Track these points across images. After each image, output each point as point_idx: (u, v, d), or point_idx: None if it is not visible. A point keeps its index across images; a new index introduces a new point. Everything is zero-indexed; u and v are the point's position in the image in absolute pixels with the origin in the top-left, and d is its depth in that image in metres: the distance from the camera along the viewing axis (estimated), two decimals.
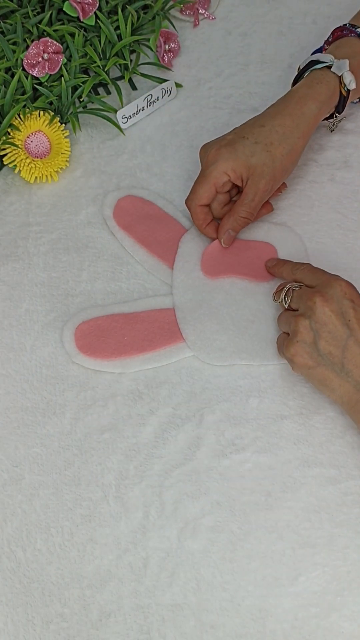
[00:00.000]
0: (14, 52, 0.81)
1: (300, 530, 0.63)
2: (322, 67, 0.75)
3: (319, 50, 0.82)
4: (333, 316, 0.62)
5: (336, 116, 0.79)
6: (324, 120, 0.78)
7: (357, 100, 0.81)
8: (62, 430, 0.68)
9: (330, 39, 0.81)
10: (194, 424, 0.68)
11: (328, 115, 0.78)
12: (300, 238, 0.77)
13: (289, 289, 0.67)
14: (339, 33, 0.79)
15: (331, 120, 0.80)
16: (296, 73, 0.79)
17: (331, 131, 0.82)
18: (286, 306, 0.67)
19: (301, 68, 0.77)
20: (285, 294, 0.67)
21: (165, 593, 0.61)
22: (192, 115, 0.86)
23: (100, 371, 0.71)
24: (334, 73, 0.74)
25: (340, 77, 0.75)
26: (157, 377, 0.70)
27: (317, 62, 0.75)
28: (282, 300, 0.68)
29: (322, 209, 0.79)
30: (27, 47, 0.82)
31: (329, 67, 0.75)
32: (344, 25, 0.79)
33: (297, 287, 0.67)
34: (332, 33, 0.80)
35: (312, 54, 0.80)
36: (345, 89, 0.75)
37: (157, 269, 0.76)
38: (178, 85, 0.88)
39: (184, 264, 0.76)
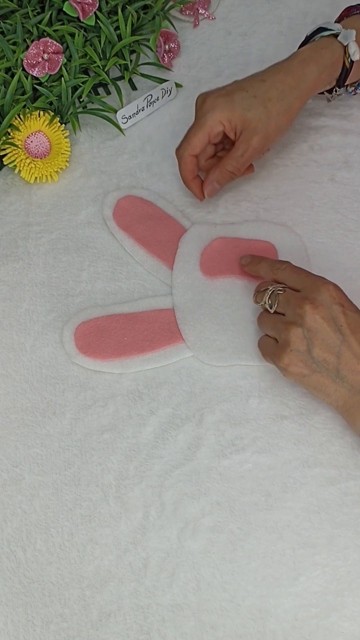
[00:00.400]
0: (14, 52, 0.81)
1: (300, 530, 0.63)
2: (329, 35, 0.75)
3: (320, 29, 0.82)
4: (325, 323, 0.61)
5: (336, 90, 0.79)
6: (324, 92, 0.78)
7: (353, 91, 0.81)
8: (62, 430, 0.68)
9: (337, 19, 0.80)
10: (194, 424, 0.68)
11: (329, 88, 0.78)
12: (300, 238, 0.77)
13: (272, 291, 0.66)
14: (347, 12, 0.79)
15: (331, 94, 0.80)
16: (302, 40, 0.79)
17: (328, 101, 0.82)
18: (272, 311, 0.66)
19: (308, 35, 0.77)
20: (269, 298, 0.66)
21: (165, 593, 0.61)
22: (192, 116, 0.85)
23: (100, 371, 0.71)
24: (340, 42, 0.74)
25: (345, 47, 0.74)
26: (157, 377, 0.70)
27: (325, 29, 0.75)
28: (265, 304, 0.66)
29: (322, 209, 0.79)
30: (27, 47, 0.82)
31: (336, 35, 0.75)
32: (353, 5, 0.79)
33: (281, 290, 0.65)
34: (341, 12, 0.80)
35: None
36: (349, 59, 0.75)
37: (156, 269, 0.76)
38: (178, 85, 0.88)
39: (183, 264, 0.76)
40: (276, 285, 0.66)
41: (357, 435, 0.64)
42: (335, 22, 0.80)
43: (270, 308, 0.66)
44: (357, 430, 0.63)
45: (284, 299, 0.64)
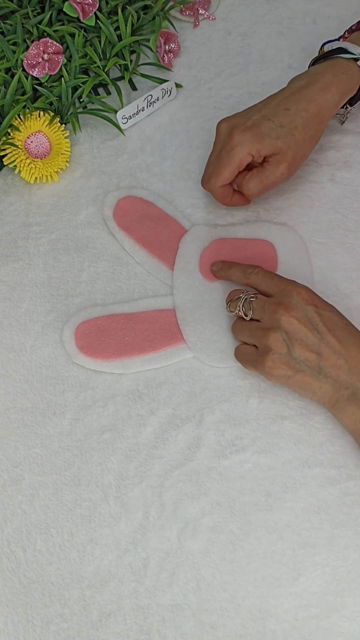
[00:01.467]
0: (14, 52, 0.81)
1: (300, 530, 0.63)
2: (349, 58, 0.75)
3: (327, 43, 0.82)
4: (301, 325, 0.63)
5: (347, 107, 0.79)
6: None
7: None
8: (62, 430, 0.68)
9: (354, 27, 0.80)
10: (194, 424, 0.68)
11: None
12: (300, 238, 0.77)
13: (245, 299, 0.67)
14: None
15: (342, 111, 0.80)
16: (317, 54, 0.78)
17: (341, 123, 0.82)
18: (248, 319, 0.67)
19: (326, 50, 0.77)
20: (243, 305, 0.67)
21: (165, 593, 0.61)
22: (192, 116, 0.86)
23: (100, 371, 0.71)
24: (359, 67, 0.74)
25: None
26: (157, 377, 0.71)
27: (345, 50, 0.75)
28: (240, 311, 0.68)
29: (322, 209, 0.79)
30: (27, 47, 0.82)
31: (356, 59, 0.75)
32: None
33: (253, 297, 0.67)
34: (358, 22, 0.80)
35: (324, 44, 0.80)
36: None
37: (157, 269, 0.76)
38: (178, 85, 0.87)
39: (184, 265, 0.76)
40: (248, 292, 0.68)
41: (346, 430, 0.65)
42: (347, 30, 0.80)
43: (246, 316, 0.67)
44: (345, 425, 0.64)
45: (258, 305, 0.66)
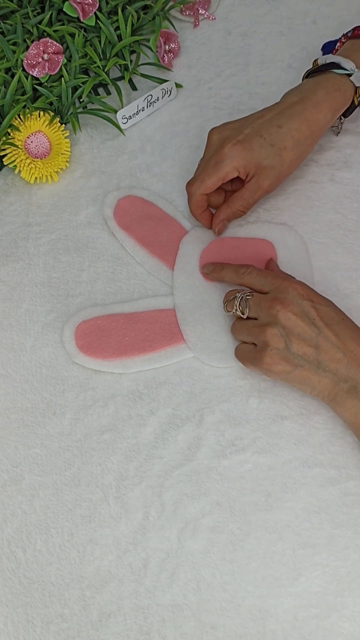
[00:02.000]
0: (14, 52, 0.81)
1: (300, 530, 0.63)
2: (342, 74, 0.75)
3: (333, 44, 0.82)
4: (298, 319, 0.63)
5: (341, 118, 0.79)
6: None
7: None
8: (62, 430, 0.68)
9: (349, 34, 0.80)
10: (194, 424, 0.68)
11: None
12: (301, 237, 0.77)
13: (241, 298, 0.67)
14: (358, 32, 0.79)
15: (337, 122, 0.80)
16: (311, 67, 0.78)
17: (336, 135, 0.82)
18: (244, 317, 0.67)
19: (319, 64, 0.77)
20: (239, 304, 0.67)
21: (165, 593, 0.61)
22: (192, 116, 0.86)
23: (100, 371, 0.71)
24: (352, 82, 0.75)
25: (357, 88, 0.75)
26: (157, 377, 0.70)
27: (338, 65, 0.75)
28: (236, 311, 0.67)
29: (322, 209, 0.79)
30: (27, 47, 0.82)
31: (349, 74, 0.75)
32: None
33: (249, 295, 0.67)
34: (353, 30, 0.79)
35: (323, 46, 0.80)
36: (359, 99, 0.76)
37: (157, 269, 0.76)
38: (178, 85, 0.87)
39: (184, 265, 0.76)
40: (243, 291, 0.68)
41: (346, 425, 0.65)
42: (343, 35, 0.80)
43: (243, 314, 0.67)
44: (345, 418, 0.64)
45: (254, 303, 0.66)
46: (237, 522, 0.64)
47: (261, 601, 0.61)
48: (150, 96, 0.85)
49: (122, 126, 0.84)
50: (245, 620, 0.60)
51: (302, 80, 0.78)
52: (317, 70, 0.76)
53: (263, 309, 0.65)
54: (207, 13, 0.94)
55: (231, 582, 0.62)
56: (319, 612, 0.60)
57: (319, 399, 0.65)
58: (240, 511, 0.64)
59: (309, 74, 0.77)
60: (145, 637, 0.60)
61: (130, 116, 0.84)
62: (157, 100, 0.86)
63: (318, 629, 0.60)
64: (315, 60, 0.78)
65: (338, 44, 0.80)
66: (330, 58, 0.76)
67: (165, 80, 0.86)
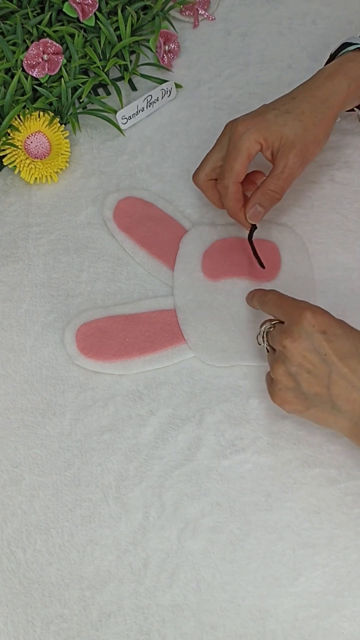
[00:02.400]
0: (14, 53, 0.81)
1: (300, 530, 0.63)
2: (354, 49, 0.73)
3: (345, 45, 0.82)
4: (307, 355, 0.58)
5: None
6: (353, 109, 0.76)
7: None
8: (62, 431, 0.68)
9: None
10: (194, 424, 0.68)
11: (358, 104, 0.75)
12: (300, 238, 0.77)
13: (264, 331, 0.63)
14: None
15: (355, 110, 0.78)
16: (327, 59, 0.78)
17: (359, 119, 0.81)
18: (268, 350, 0.64)
19: (332, 53, 0.76)
20: (263, 338, 0.64)
21: (165, 594, 0.61)
22: (192, 116, 0.86)
23: (101, 372, 0.71)
24: None
25: None
26: (157, 377, 0.70)
27: (349, 44, 0.74)
28: (262, 344, 0.64)
29: (322, 209, 0.79)
30: (27, 48, 0.82)
31: None
32: None
33: (270, 327, 0.63)
34: None
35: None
36: None
37: (157, 270, 0.76)
38: (178, 85, 0.87)
39: (184, 265, 0.76)
40: (267, 323, 0.63)
41: None
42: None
43: (265, 345, 0.64)
44: None
45: (271, 336, 0.62)
46: (237, 522, 0.64)
47: (261, 601, 0.61)
48: (150, 96, 0.85)
49: (122, 126, 0.85)
50: (245, 620, 0.60)
51: None
52: (330, 59, 0.76)
53: (275, 342, 0.60)
54: (206, 13, 0.94)
55: (231, 582, 0.62)
56: (319, 612, 0.60)
57: (344, 435, 0.61)
58: (240, 511, 0.64)
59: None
60: (145, 637, 0.60)
61: (130, 116, 0.84)
62: (157, 100, 0.86)
63: (318, 629, 0.60)
64: (331, 52, 0.77)
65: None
66: (341, 41, 0.75)
67: (165, 81, 0.86)
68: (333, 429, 0.60)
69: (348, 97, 0.72)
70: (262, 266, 0.72)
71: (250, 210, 0.70)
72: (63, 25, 0.85)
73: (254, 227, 0.73)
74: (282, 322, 0.62)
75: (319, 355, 0.58)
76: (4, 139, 0.79)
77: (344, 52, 0.74)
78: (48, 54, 0.81)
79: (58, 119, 0.81)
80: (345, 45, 0.75)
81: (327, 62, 0.78)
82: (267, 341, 0.63)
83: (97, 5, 0.84)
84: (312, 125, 0.69)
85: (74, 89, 0.83)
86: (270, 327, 0.63)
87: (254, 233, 0.73)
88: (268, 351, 0.64)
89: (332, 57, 0.77)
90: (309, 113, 0.69)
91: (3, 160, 0.80)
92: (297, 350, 0.58)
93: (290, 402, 0.60)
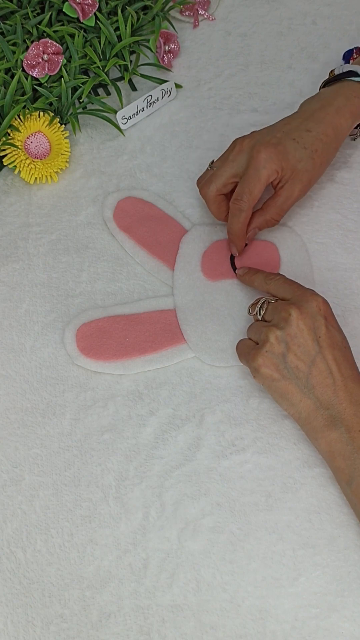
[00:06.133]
0: (14, 53, 0.81)
1: (300, 530, 0.63)
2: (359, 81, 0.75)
3: (349, 53, 0.83)
4: (305, 330, 0.62)
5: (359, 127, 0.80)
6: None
7: None
8: (62, 431, 0.68)
9: None
10: (194, 424, 0.68)
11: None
12: (300, 238, 0.77)
13: (264, 301, 0.67)
14: None
15: (356, 130, 0.80)
16: (328, 77, 0.79)
17: (353, 140, 0.83)
18: (260, 318, 0.67)
19: (335, 73, 0.77)
20: (260, 307, 0.67)
21: (165, 594, 0.61)
22: (192, 116, 0.86)
23: (101, 372, 0.71)
24: None
25: None
26: (157, 377, 0.70)
27: (355, 74, 0.75)
28: (256, 313, 0.67)
29: (322, 209, 0.79)
30: (27, 48, 0.82)
31: None
32: None
33: (273, 300, 0.66)
34: None
35: (344, 55, 0.81)
36: None
37: (158, 270, 0.76)
38: (178, 86, 0.87)
39: (184, 265, 0.76)
40: (269, 297, 0.67)
41: (319, 453, 0.63)
42: (358, 49, 0.80)
43: (259, 315, 0.66)
44: (318, 446, 0.62)
45: (272, 307, 0.65)
46: (237, 522, 0.64)
47: (261, 601, 0.61)
48: (150, 96, 0.85)
49: (122, 127, 0.84)
50: (245, 621, 0.60)
51: (320, 89, 0.78)
52: (334, 79, 0.77)
53: (278, 311, 0.64)
54: (206, 13, 0.94)
55: (231, 583, 0.61)
56: (319, 612, 0.60)
57: (294, 419, 0.63)
58: (240, 511, 0.64)
59: (326, 84, 0.78)
60: (145, 637, 0.60)
61: (130, 117, 0.84)
62: (157, 100, 0.86)
63: (318, 629, 0.60)
64: (332, 71, 0.79)
65: (354, 53, 0.81)
66: (347, 67, 0.77)
67: (165, 81, 0.86)
68: (293, 409, 0.63)
69: (348, 132, 0.76)
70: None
71: (250, 232, 0.74)
72: (63, 25, 0.85)
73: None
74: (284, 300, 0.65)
75: (314, 335, 0.62)
76: (4, 139, 0.78)
77: (348, 79, 0.75)
78: (48, 54, 0.81)
79: (58, 119, 0.81)
80: (352, 73, 0.76)
81: (327, 81, 0.78)
82: (259, 310, 0.66)
83: (97, 5, 0.84)
84: (320, 165, 0.73)
85: (74, 89, 0.83)
86: (273, 300, 0.66)
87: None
88: (258, 320, 0.67)
89: (335, 76, 0.77)
90: (320, 152, 0.72)
91: (3, 160, 0.80)
92: (299, 321, 0.62)
93: (269, 366, 0.63)
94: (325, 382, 0.61)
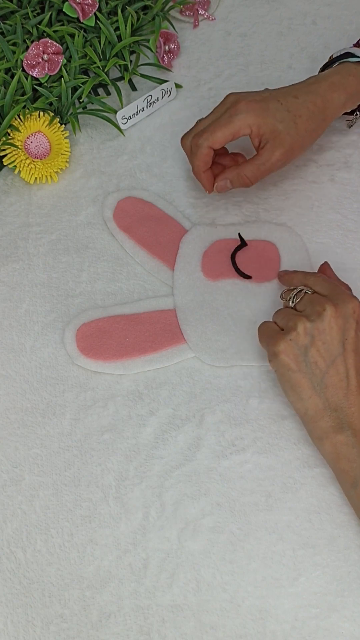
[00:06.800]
0: (14, 52, 0.81)
1: (300, 530, 0.63)
2: (356, 62, 0.75)
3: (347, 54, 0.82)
4: (335, 329, 0.62)
5: (357, 114, 0.80)
6: (344, 114, 0.79)
7: None
8: (62, 431, 0.68)
9: None
10: (194, 424, 0.68)
11: (349, 111, 0.78)
12: (300, 238, 0.77)
13: (300, 290, 0.66)
14: None
15: (352, 116, 0.80)
16: (327, 61, 0.79)
17: (349, 127, 0.83)
18: (291, 305, 0.66)
19: (334, 57, 0.78)
20: (296, 295, 0.66)
21: (165, 594, 0.61)
22: (192, 116, 0.86)
23: (101, 372, 0.71)
24: None
25: None
26: (157, 377, 0.70)
27: (352, 55, 0.76)
28: (290, 299, 0.66)
29: (322, 209, 0.79)
30: (27, 47, 0.82)
31: None
32: None
33: (310, 291, 0.65)
34: None
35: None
36: None
37: (158, 270, 0.76)
38: (178, 86, 0.88)
39: (184, 265, 0.76)
40: (307, 287, 0.66)
41: (322, 456, 0.63)
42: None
43: (291, 302, 0.66)
44: (321, 447, 0.62)
45: (308, 298, 0.65)
46: (237, 522, 0.64)
47: (261, 601, 0.61)
48: (150, 96, 0.85)
49: (122, 127, 0.85)
50: (245, 621, 0.60)
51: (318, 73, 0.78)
52: (332, 63, 0.77)
53: (313, 304, 0.63)
54: (206, 13, 0.94)
55: (231, 583, 0.61)
56: (319, 612, 0.60)
57: (299, 415, 0.63)
58: (240, 511, 0.64)
59: (324, 68, 0.78)
60: (145, 637, 0.60)
61: (130, 116, 0.84)
62: (157, 100, 0.86)
63: (318, 629, 0.60)
64: (331, 55, 0.79)
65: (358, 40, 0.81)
66: (345, 49, 0.77)
67: (165, 81, 0.86)
68: (300, 403, 0.62)
69: (341, 110, 0.75)
70: (246, 277, 0.75)
71: (220, 182, 0.73)
72: (63, 25, 0.85)
73: (243, 244, 0.76)
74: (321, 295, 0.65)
75: (342, 336, 0.62)
76: (4, 139, 0.78)
77: (345, 60, 0.76)
78: (48, 54, 0.81)
79: (58, 119, 0.81)
80: (348, 54, 0.76)
81: (326, 65, 0.78)
82: (297, 299, 0.65)
83: (97, 5, 0.84)
84: (304, 131, 0.72)
85: (74, 89, 0.83)
86: (310, 292, 0.65)
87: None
88: (287, 307, 0.66)
89: (332, 60, 0.78)
90: (305, 118, 0.72)
91: (3, 160, 0.80)
92: (332, 319, 0.62)
93: (289, 355, 0.62)
94: (339, 384, 0.61)
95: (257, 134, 0.71)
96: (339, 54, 0.77)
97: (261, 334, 0.66)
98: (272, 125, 0.70)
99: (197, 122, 0.75)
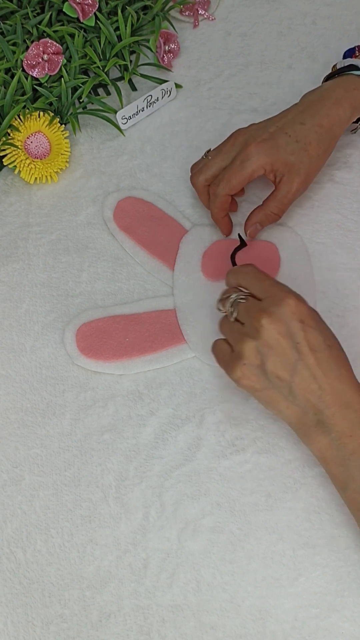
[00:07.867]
0: (14, 52, 0.81)
1: (300, 530, 0.63)
2: (359, 74, 0.76)
3: (350, 52, 0.83)
4: (281, 339, 0.58)
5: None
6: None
7: None
8: (62, 431, 0.68)
9: None
10: (194, 424, 0.68)
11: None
12: (300, 238, 0.77)
13: (234, 300, 0.62)
14: None
15: (356, 124, 0.81)
16: (330, 71, 0.80)
17: (353, 132, 0.83)
18: (232, 319, 0.62)
19: (337, 67, 0.78)
20: (231, 305, 0.62)
21: (165, 594, 0.61)
22: (191, 116, 0.86)
23: (101, 372, 0.71)
24: None
25: None
26: (157, 377, 0.70)
27: (356, 67, 0.76)
28: (227, 311, 0.63)
29: (322, 209, 0.79)
30: (27, 48, 0.82)
31: None
32: None
33: (243, 298, 0.62)
34: None
35: (344, 54, 0.81)
36: None
37: (157, 270, 0.76)
38: (178, 86, 0.88)
39: (184, 265, 0.76)
40: (239, 292, 0.63)
41: (314, 456, 0.61)
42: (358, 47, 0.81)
43: (231, 315, 0.63)
44: (312, 451, 0.61)
45: (244, 308, 0.61)
46: (237, 522, 0.64)
47: (261, 601, 0.61)
48: (150, 96, 0.85)
49: (122, 127, 0.85)
50: (245, 621, 0.60)
51: (322, 84, 0.79)
52: (335, 74, 0.77)
53: (250, 317, 0.60)
54: (206, 13, 0.94)
55: (231, 583, 0.62)
56: (319, 612, 0.60)
57: (286, 423, 0.61)
58: (240, 511, 0.64)
59: (327, 78, 0.79)
60: (145, 637, 0.60)
61: (130, 116, 0.84)
62: (157, 100, 0.86)
63: (318, 629, 0.60)
64: (334, 65, 0.79)
65: (356, 50, 0.81)
66: (349, 61, 0.77)
67: (165, 81, 0.86)
68: (282, 415, 0.60)
69: (348, 123, 0.76)
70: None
71: (251, 229, 0.74)
72: (63, 25, 0.85)
73: (243, 244, 0.75)
74: (253, 296, 0.62)
75: (292, 341, 0.58)
76: (4, 139, 0.78)
77: (348, 73, 0.76)
78: (48, 54, 0.81)
79: (58, 119, 0.81)
80: (352, 67, 0.77)
81: (330, 75, 0.79)
82: (231, 309, 0.62)
83: (97, 5, 0.84)
84: (316, 156, 0.73)
85: (74, 89, 0.83)
86: (243, 298, 0.62)
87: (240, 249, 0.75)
88: (227, 317, 0.63)
89: (336, 71, 0.78)
90: (315, 144, 0.72)
91: (3, 160, 0.80)
92: (273, 331, 0.58)
93: (249, 378, 0.60)
94: (309, 388, 0.58)
95: (272, 170, 0.72)
96: (342, 65, 0.78)
97: (217, 358, 0.64)
98: (284, 160, 0.71)
99: (204, 155, 0.75)
